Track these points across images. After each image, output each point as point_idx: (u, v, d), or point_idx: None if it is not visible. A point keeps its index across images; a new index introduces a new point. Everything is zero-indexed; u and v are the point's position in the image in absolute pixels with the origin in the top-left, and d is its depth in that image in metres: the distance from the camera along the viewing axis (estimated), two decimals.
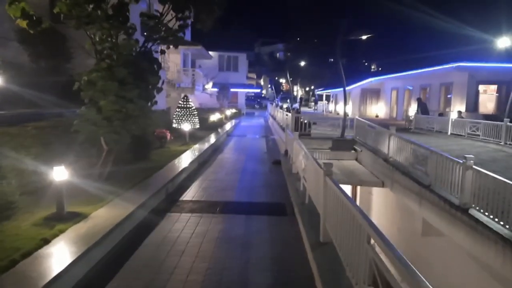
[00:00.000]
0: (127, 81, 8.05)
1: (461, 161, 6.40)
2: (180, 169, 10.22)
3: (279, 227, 6.53)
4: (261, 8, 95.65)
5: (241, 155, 15.01)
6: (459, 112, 21.20)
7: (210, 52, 36.62)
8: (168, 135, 14.03)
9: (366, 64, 69.86)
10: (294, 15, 69.87)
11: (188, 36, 30.17)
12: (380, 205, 12.10)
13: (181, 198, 8.24)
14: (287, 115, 16.60)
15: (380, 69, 59.23)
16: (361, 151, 12.42)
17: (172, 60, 25.99)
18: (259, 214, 7.23)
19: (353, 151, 13.00)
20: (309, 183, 6.87)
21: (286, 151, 12.83)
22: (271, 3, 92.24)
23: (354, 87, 36.39)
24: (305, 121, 14.47)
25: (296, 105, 32.49)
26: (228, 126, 25.67)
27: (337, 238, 4.47)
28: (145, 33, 8.95)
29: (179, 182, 9.52)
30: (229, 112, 32.94)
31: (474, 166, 6.15)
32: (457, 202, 6.45)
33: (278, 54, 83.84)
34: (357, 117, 13.69)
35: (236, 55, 42.73)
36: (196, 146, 14.74)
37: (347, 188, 12.83)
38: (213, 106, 36.02)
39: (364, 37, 13.07)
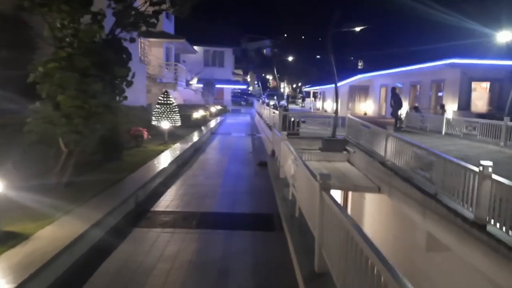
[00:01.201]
0: (89, 73, 6.93)
1: (476, 169, 5.48)
2: (155, 173, 9.14)
3: (265, 247, 5.53)
4: (247, 3, 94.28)
5: (224, 156, 13.96)
6: (416, 108, 20.60)
7: (195, 47, 35.40)
8: (145, 134, 12.90)
9: (353, 60, 69.31)
10: (281, 11, 68.93)
11: (171, 29, 28.95)
12: (374, 211, 11.20)
13: (152, 209, 7.17)
14: (274, 113, 15.60)
15: (365, 66, 58.66)
16: (354, 152, 11.49)
17: (154, 54, 24.77)
18: (241, 228, 6.21)
19: (345, 152, 12.07)
20: (300, 194, 5.89)
21: (273, 152, 11.85)
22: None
23: (342, 84, 35.55)
24: (293, 120, 13.49)
25: (284, 103, 31.51)
26: (212, 123, 24.57)
27: (338, 272, 3.50)
28: (116, 21, 7.80)
29: (152, 188, 8.44)
30: (214, 109, 31.80)
31: (494, 176, 5.23)
32: (472, 216, 5.54)
33: (265, 51, 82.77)
34: (349, 115, 12.78)
35: (222, 50, 41.54)
36: (176, 145, 13.64)
37: (338, 194, 11.88)
38: (198, 102, 34.84)
39: (358, 29, 12.21)
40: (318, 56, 68.17)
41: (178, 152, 12.27)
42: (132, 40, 7.67)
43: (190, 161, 12.44)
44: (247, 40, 76.73)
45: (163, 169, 9.76)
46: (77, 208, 5.92)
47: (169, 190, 8.59)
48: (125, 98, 8.00)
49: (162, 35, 25.15)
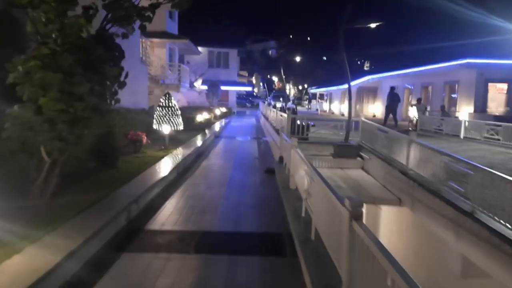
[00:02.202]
0: (74, 72, 6.09)
1: None
2: (152, 182, 8.29)
3: (275, 279, 4.63)
4: (252, 4, 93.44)
5: (228, 161, 13.09)
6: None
7: (199, 48, 34.63)
8: (144, 139, 12.06)
9: (360, 61, 68.29)
10: (286, 12, 68.17)
11: (175, 30, 28.19)
12: (392, 223, 10.26)
13: (146, 227, 6.29)
14: (281, 115, 14.71)
15: (373, 67, 57.60)
16: (369, 159, 10.57)
17: (157, 54, 23.99)
18: (247, 253, 5.32)
19: (359, 159, 11.16)
20: (316, 214, 5.00)
21: (281, 158, 10.96)
22: (263, 1, 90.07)
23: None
24: (303, 123, 12.58)
25: (292, 105, 30.59)
26: (216, 126, 23.73)
27: None
28: (106, 14, 6.94)
29: (148, 201, 7.58)
30: (218, 111, 30.96)
31: None
32: None
33: (270, 52, 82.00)
34: (363, 118, 11.86)
35: (227, 51, 40.72)
36: (177, 151, 12.79)
37: None
38: (202, 104, 34.03)
39: (373, 25, 11.34)
40: (324, 58, 67.36)
41: (179, 158, 11.43)
42: (125, 36, 6.82)
43: (192, 168, 11.58)
44: (252, 42, 75.95)
45: (162, 178, 8.91)
46: (55, 230, 5.05)
47: (167, 203, 7.72)
48: (118, 100, 7.15)
49: (165, 35, 24.40)
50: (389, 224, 10.51)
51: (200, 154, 13.96)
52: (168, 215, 6.90)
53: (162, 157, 11.38)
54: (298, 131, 12.32)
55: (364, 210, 9.80)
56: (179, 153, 12.46)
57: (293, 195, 7.49)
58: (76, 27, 6.12)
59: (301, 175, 6.71)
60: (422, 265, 8.34)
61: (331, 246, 4.09)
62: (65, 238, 4.75)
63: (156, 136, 14.04)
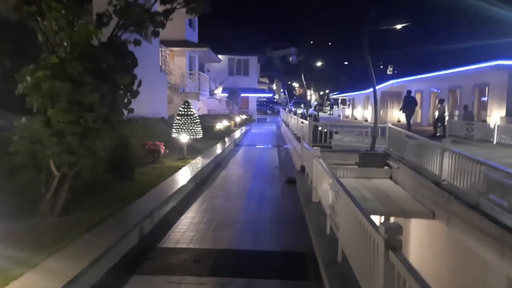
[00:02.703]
0: (84, 81, 5.80)
1: None
2: (167, 195, 7.92)
3: None
4: (272, 11, 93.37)
5: (248, 171, 12.65)
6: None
7: (220, 56, 34.52)
8: (162, 149, 11.76)
9: (381, 67, 66.95)
10: (306, 18, 67.71)
11: (194, 38, 28.14)
12: (423, 237, 9.57)
13: (159, 245, 5.90)
14: (302, 122, 14.20)
15: (396, 71, 56.23)
16: (397, 168, 9.94)
17: (177, 63, 23.90)
18: (267, 276, 4.84)
19: (386, 168, 10.54)
20: (344, 234, 4.49)
21: (303, 167, 10.45)
22: (283, 7, 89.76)
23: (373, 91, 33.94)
24: (325, 130, 12.03)
25: (313, 111, 29.96)
26: (236, 134, 23.38)
27: None
28: (118, 20, 6.66)
29: (162, 215, 7.20)
30: (238, 118, 30.67)
31: None
32: None
33: (290, 58, 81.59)
34: (390, 124, 11.24)
35: (247, 58, 40.52)
36: (196, 160, 12.45)
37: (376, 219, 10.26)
38: (223, 112, 33.87)
39: (399, 27, 10.73)
40: (346, 62, 66.41)
41: (196, 169, 11.06)
42: (137, 43, 6.50)
43: (210, 178, 11.19)
44: (272, 49, 75.89)
45: (178, 190, 8.55)
46: (61, 251, 4.71)
47: (182, 217, 7.33)
48: (131, 110, 6.82)
49: (185, 43, 24.34)
50: (420, 238, 9.81)
51: (218, 164, 13.58)
52: (183, 232, 6.50)
53: (180, 167, 11.05)
54: (321, 139, 11.78)
55: (391, 219, 9.06)
56: (198, 163, 12.11)
57: (316, 208, 6.98)
58: (85, 34, 5.83)
59: (324, 189, 6.20)
60: (459, 285, 7.65)
61: (362, 273, 3.57)
62: (70, 261, 4.40)
63: (175, 145, 13.77)
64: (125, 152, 9.17)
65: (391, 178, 10.47)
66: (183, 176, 9.95)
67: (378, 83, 32.27)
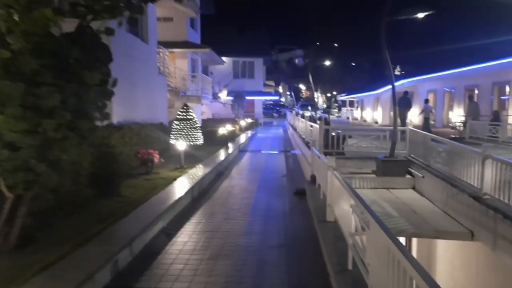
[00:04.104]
0: (41, 81, 4.64)
1: None
2: (156, 214, 6.73)
3: None
4: (277, 13, 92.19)
5: (252, 181, 11.43)
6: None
7: (224, 58, 33.37)
8: (156, 158, 10.59)
9: (394, 63, 65.30)
10: (312, 19, 66.55)
11: (197, 40, 27.04)
12: (455, 257, 8.25)
13: (138, 285, 4.68)
14: (311, 126, 12.95)
15: (403, 72, 54.64)
16: (422, 177, 8.65)
17: (179, 66, 22.78)
18: None
19: (408, 176, 9.25)
20: (377, 282, 3.25)
21: (313, 177, 9.22)
22: (289, 7, 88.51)
23: (383, 91, 32.61)
24: (338, 135, 10.76)
25: (324, 114, 28.73)
26: (242, 139, 22.18)
27: None
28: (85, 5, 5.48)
29: (147, 241, 6.00)
30: (243, 122, 29.45)
31: None
32: None
33: (296, 60, 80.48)
34: (411, 127, 9.95)
35: (252, 60, 39.36)
36: (194, 170, 11.26)
37: (403, 240, 8.95)
38: (228, 116, 32.74)
39: (421, 15, 9.54)
40: (353, 64, 65.08)
41: (195, 180, 9.87)
42: (109, 32, 5.32)
43: (209, 191, 9.99)
44: (278, 51, 74.90)
45: (170, 207, 7.37)
46: None
47: (171, 243, 6.12)
48: (106, 116, 5.64)
49: (186, 45, 23.22)
50: (451, 257, 8.50)
51: (220, 173, 12.38)
52: (169, 264, 5.28)
53: (176, 178, 9.87)
54: (333, 145, 10.53)
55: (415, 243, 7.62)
56: (196, 172, 10.92)
57: (332, 231, 5.75)
58: (42, 21, 4.66)
59: (343, 209, 4.97)
60: None
61: None
62: None
63: (174, 153, 12.61)
64: (110, 164, 8.01)
65: (414, 188, 9.18)
66: (177, 189, 8.76)
67: (388, 83, 31.03)
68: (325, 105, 64.09)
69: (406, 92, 19.09)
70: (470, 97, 18.30)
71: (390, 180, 9.20)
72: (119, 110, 12.24)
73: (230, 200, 9.00)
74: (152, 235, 6.23)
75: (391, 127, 9.62)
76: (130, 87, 13.49)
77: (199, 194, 9.46)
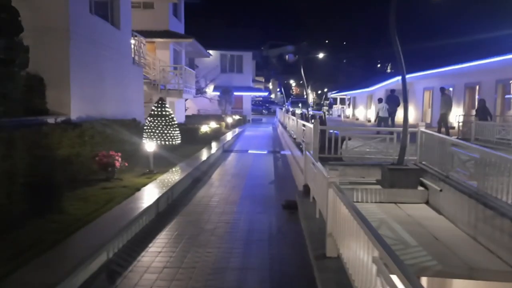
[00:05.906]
0: None
1: None
2: (101, 242, 5.03)
3: None
4: (268, 9, 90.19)
5: (235, 189, 9.75)
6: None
7: (211, 51, 31.59)
8: (117, 162, 8.84)
9: (378, 65, 64.13)
10: (304, 16, 65.09)
11: (180, 30, 25.23)
12: None
13: None
14: (304, 125, 11.30)
15: (392, 70, 53.30)
16: (440, 190, 7.07)
17: (161, 58, 20.97)
18: None
19: (421, 188, 7.68)
20: None
21: (306, 187, 7.62)
22: (281, 1, 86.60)
23: (377, 88, 31.31)
24: (334, 136, 9.13)
25: (319, 112, 27.30)
26: (227, 137, 20.50)
27: None
28: None
29: (78, 285, 4.30)
30: (230, 119, 27.76)
31: None
32: None
33: (287, 57, 78.86)
34: (422, 128, 8.39)
35: (241, 54, 37.65)
36: (166, 175, 9.55)
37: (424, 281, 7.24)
38: (214, 112, 31.07)
39: None
40: (344, 60, 63.80)
41: (164, 189, 8.18)
42: None
43: (181, 203, 8.27)
44: (268, 47, 73.19)
45: (123, 230, 5.67)
46: None
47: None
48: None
49: (167, 34, 21.43)
50: None
51: (197, 179, 10.66)
52: None
53: (141, 187, 8.16)
54: (330, 148, 8.89)
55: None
56: (168, 178, 9.22)
57: (335, 276, 4.11)
58: None
59: (359, 259, 3.32)
60: None
61: None
62: None
63: (145, 154, 10.86)
64: (48, 172, 6.26)
65: (427, 203, 7.61)
66: (139, 202, 7.05)
67: (383, 80, 29.67)
68: (313, 103, 62.63)
69: (393, 90, 19.61)
70: (442, 89, 17.17)
71: (399, 192, 7.61)
72: (79, 104, 10.46)
73: (205, 217, 7.30)
74: (86, 277, 4.50)
75: (400, 129, 8.02)
76: (95, 77, 11.69)
77: (168, 208, 7.75)
